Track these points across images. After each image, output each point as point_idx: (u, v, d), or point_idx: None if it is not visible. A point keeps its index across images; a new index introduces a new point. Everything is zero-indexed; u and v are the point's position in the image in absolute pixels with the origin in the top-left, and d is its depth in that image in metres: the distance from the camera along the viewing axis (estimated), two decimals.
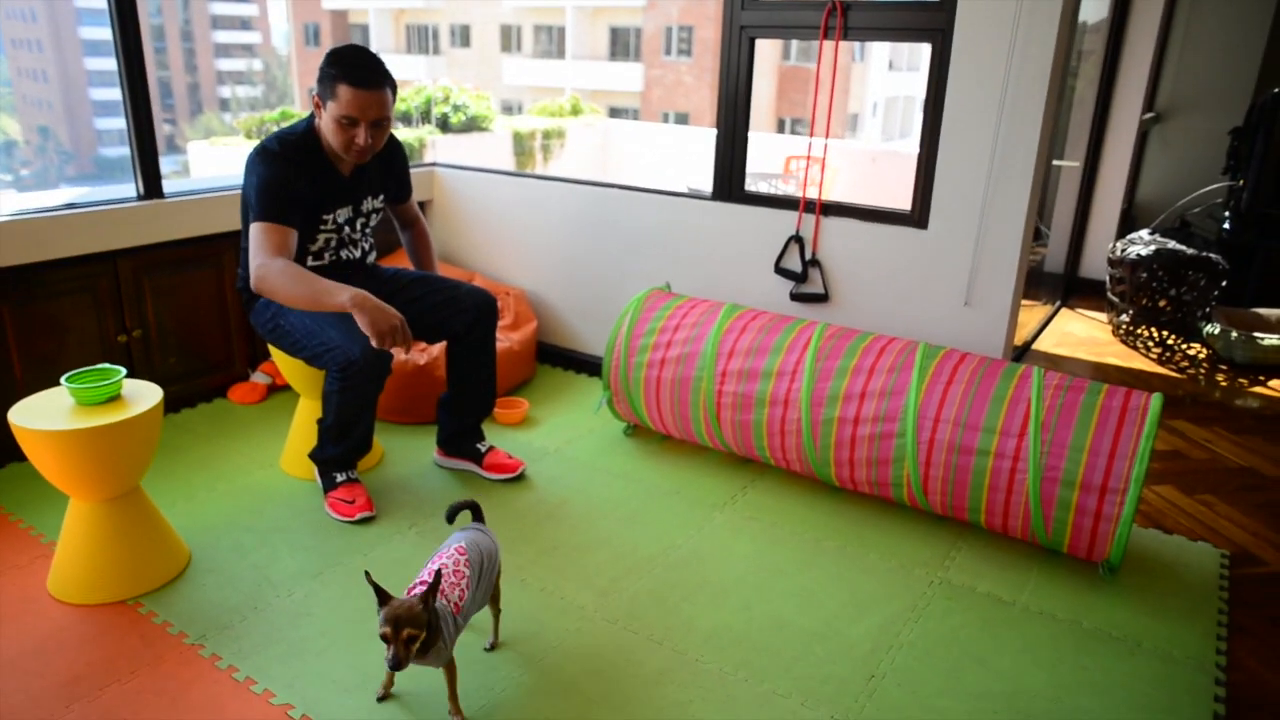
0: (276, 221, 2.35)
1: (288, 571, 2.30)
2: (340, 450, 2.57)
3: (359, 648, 2.02)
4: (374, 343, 2.25)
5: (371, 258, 2.74)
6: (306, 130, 2.46)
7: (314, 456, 2.62)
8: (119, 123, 3.00)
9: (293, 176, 2.39)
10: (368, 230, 2.68)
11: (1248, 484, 2.98)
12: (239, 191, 3.23)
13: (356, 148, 2.39)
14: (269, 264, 2.32)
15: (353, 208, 2.57)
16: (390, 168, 2.70)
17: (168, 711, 1.82)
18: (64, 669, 1.93)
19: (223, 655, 1.98)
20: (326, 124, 2.39)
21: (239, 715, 1.82)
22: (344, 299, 2.24)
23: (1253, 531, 2.67)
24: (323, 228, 2.52)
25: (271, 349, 2.67)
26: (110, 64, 2.97)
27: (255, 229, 2.36)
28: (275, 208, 2.35)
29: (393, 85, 2.42)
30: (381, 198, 2.69)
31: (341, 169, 2.51)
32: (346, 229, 2.58)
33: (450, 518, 1.98)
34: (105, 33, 2.88)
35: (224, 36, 33.38)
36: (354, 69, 2.33)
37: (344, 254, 2.61)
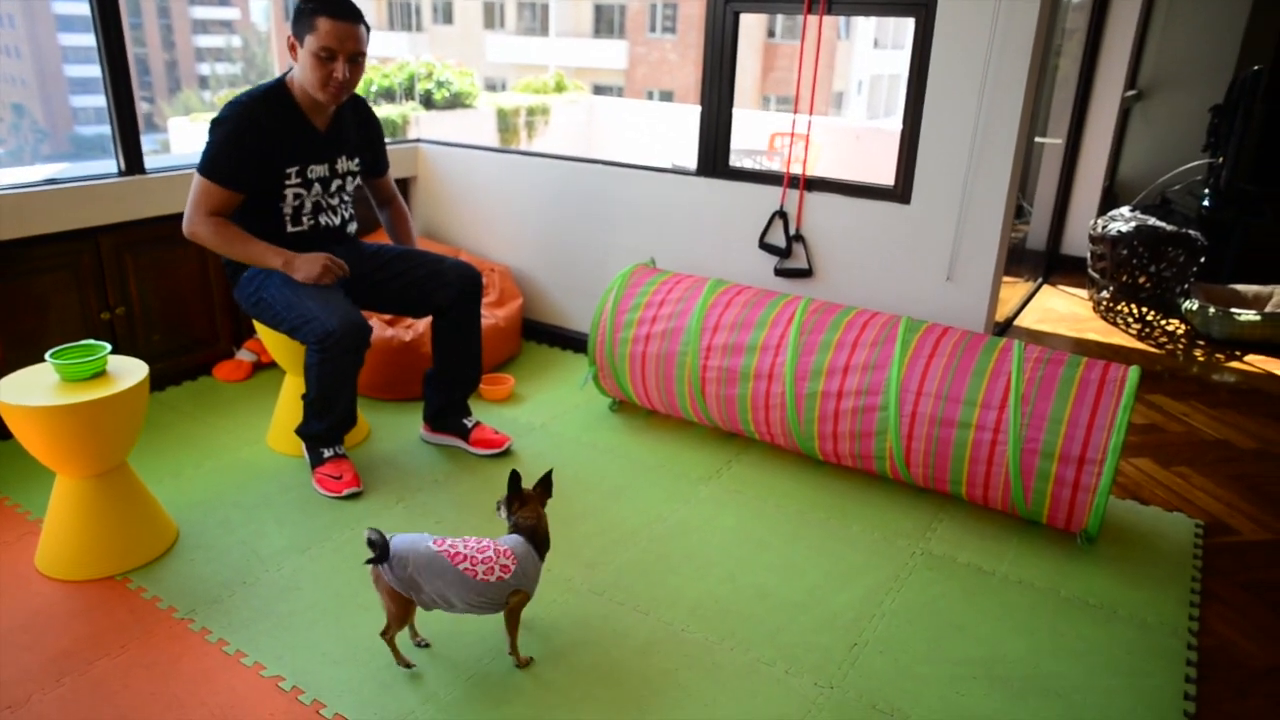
0: (221, 184, 2.40)
1: (276, 546, 2.31)
2: (325, 425, 2.58)
3: (348, 621, 2.04)
4: (315, 281, 2.42)
5: (352, 228, 2.73)
6: (278, 84, 2.47)
7: (300, 432, 2.63)
8: (95, 100, 2.98)
9: (258, 131, 2.41)
10: (345, 196, 2.67)
11: (1223, 456, 3.04)
12: None
13: (335, 82, 2.40)
14: (203, 222, 2.42)
15: (328, 166, 2.57)
16: (367, 134, 2.70)
17: (159, 684, 1.84)
18: (53, 644, 1.94)
19: (212, 629, 2.00)
20: (303, 61, 2.40)
21: (229, 687, 1.83)
22: (278, 260, 2.43)
23: (1226, 502, 2.73)
24: (289, 183, 2.50)
25: (257, 325, 2.67)
26: (85, 40, 2.94)
27: (198, 183, 2.41)
28: (224, 168, 2.40)
29: (367, 25, 2.45)
30: (358, 161, 2.68)
31: (316, 123, 2.51)
32: (318, 187, 2.56)
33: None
34: (79, 8, 2.85)
35: (202, 12, 32.85)
36: (331, 3, 2.36)
37: (322, 219, 2.60)
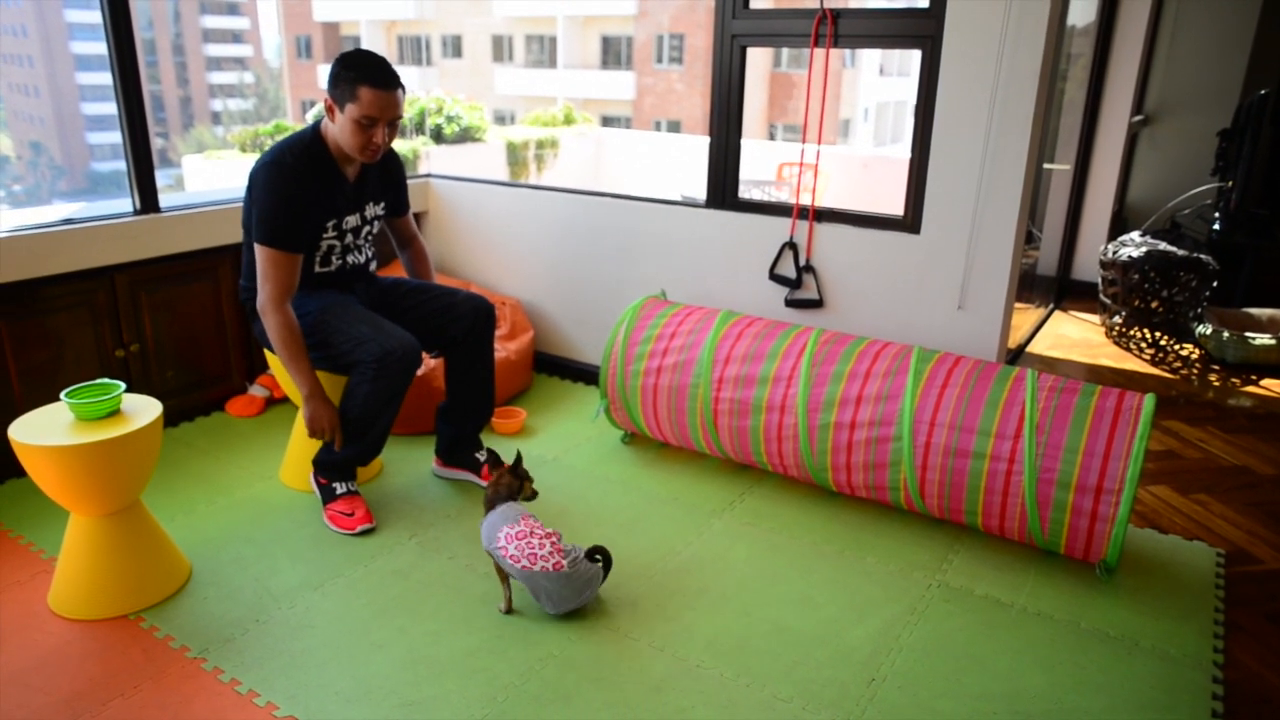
0: (286, 249, 2.38)
1: (289, 584, 2.30)
2: (351, 452, 2.58)
3: (361, 659, 2.03)
4: (306, 431, 2.50)
5: (373, 266, 2.75)
6: (314, 138, 2.47)
7: (321, 460, 2.63)
8: (111, 137, 3.03)
9: (303, 190, 2.41)
10: (371, 237, 2.70)
11: (1242, 483, 3.00)
12: (235, 206, 3.26)
13: (373, 147, 2.41)
14: (278, 311, 2.40)
15: (359, 215, 2.59)
16: (388, 175, 2.72)
17: None
18: (66, 684, 1.94)
19: (225, 668, 1.99)
20: (343, 125, 2.39)
21: None
22: (304, 389, 2.47)
23: (1247, 530, 2.69)
24: (326, 235, 2.53)
25: (272, 361, 2.68)
26: (102, 78, 3.00)
27: (264, 255, 2.38)
28: (285, 233, 2.38)
29: (404, 87, 2.46)
30: (383, 205, 2.71)
31: (347, 174, 2.52)
32: (350, 236, 2.59)
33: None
34: (97, 47, 2.92)
35: (216, 50, 33.41)
36: (374, 71, 2.35)
37: (349, 259, 2.63)
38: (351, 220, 2.56)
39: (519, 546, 2.10)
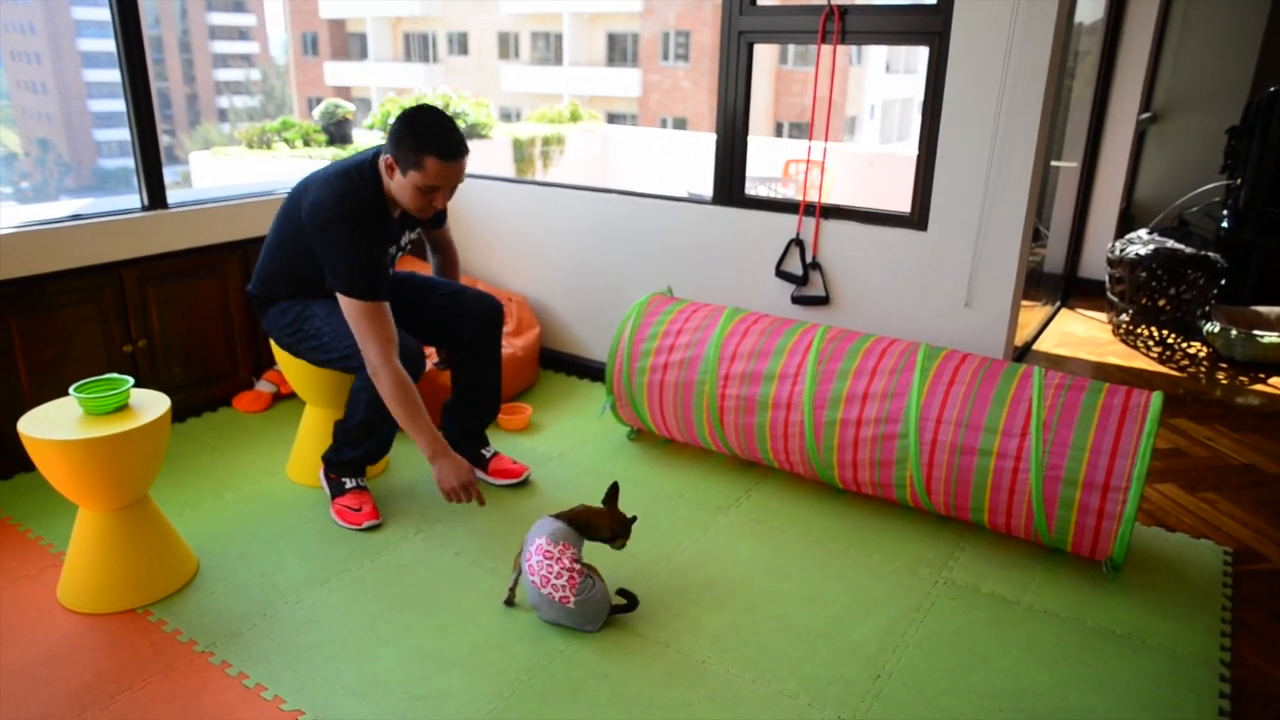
0: (378, 298, 2.32)
1: (295, 579, 2.31)
2: (360, 452, 2.58)
3: (368, 653, 2.03)
4: (444, 497, 2.36)
5: (392, 270, 2.74)
6: (376, 190, 2.38)
7: (329, 458, 2.63)
8: (118, 134, 3.03)
9: (375, 242, 2.36)
10: (400, 256, 2.68)
11: (1249, 481, 2.99)
12: (242, 202, 3.27)
13: (432, 209, 2.38)
14: (388, 365, 2.30)
15: (397, 244, 2.56)
16: None
17: (179, 718, 1.83)
18: (75, 677, 1.95)
19: (232, 662, 2.00)
20: (403, 186, 2.32)
21: None
22: (427, 449, 2.35)
23: (1255, 528, 2.69)
24: None
25: (280, 356, 2.69)
26: (109, 75, 3.02)
27: (360, 310, 2.30)
28: (374, 285, 2.31)
29: (468, 150, 2.37)
30: (418, 229, 2.65)
31: (393, 212, 2.45)
32: (387, 261, 2.57)
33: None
34: (104, 44, 2.91)
35: (222, 47, 33.48)
36: (441, 142, 2.27)
37: None
38: (391, 250, 2.54)
39: (540, 564, 2.08)
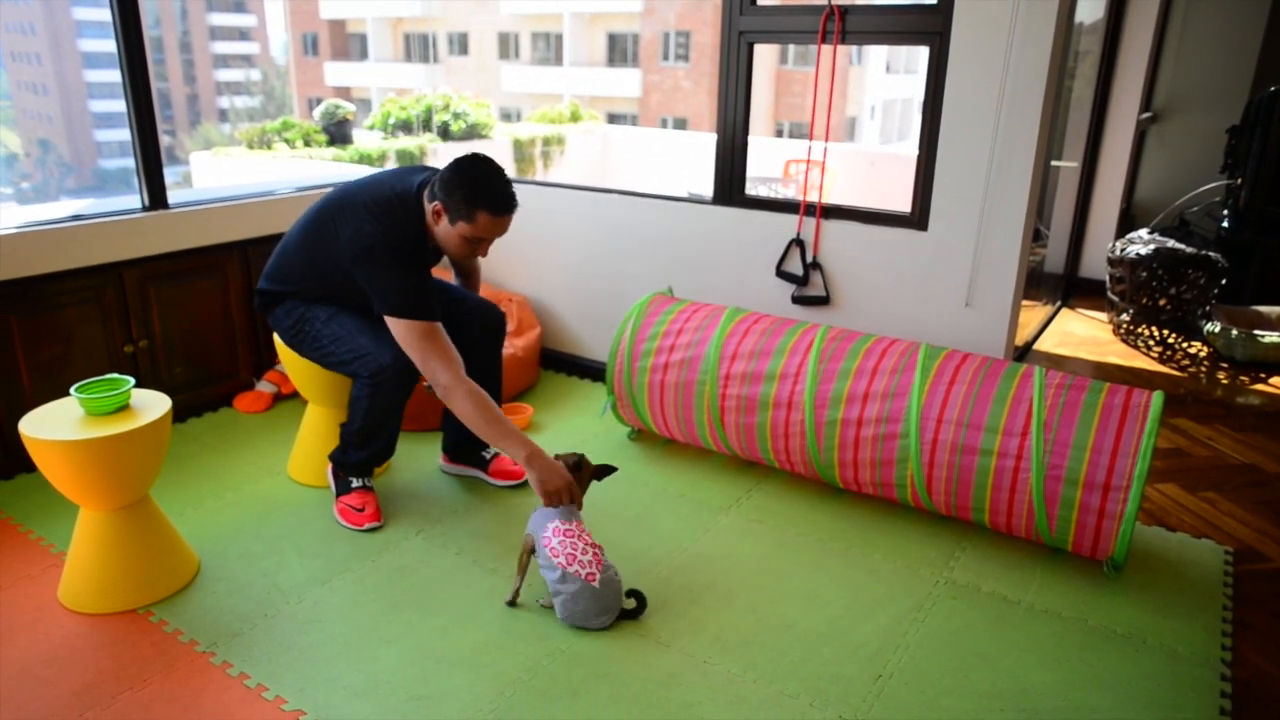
0: (432, 319, 2.31)
1: (297, 579, 2.31)
2: (364, 455, 2.59)
3: (369, 653, 2.03)
4: (542, 501, 2.21)
5: None
6: (418, 223, 2.36)
7: (335, 457, 2.64)
8: (119, 135, 3.03)
9: (423, 270, 2.38)
10: None
11: (1250, 481, 2.99)
12: (243, 202, 3.28)
13: (475, 257, 2.38)
14: (461, 383, 2.27)
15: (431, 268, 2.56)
16: None
17: (180, 719, 1.83)
18: (76, 677, 1.95)
19: (233, 662, 2.00)
20: (449, 234, 2.32)
21: None
22: (520, 452, 2.21)
23: (1256, 528, 2.69)
24: None
25: (284, 355, 2.69)
26: (109, 76, 3.02)
27: (416, 331, 2.28)
28: (430, 307, 2.31)
29: (518, 203, 2.37)
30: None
31: (431, 242, 2.44)
32: None
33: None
34: (105, 45, 2.92)
35: (222, 47, 33.48)
36: (495, 197, 2.27)
37: None
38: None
39: (563, 543, 2.10)
